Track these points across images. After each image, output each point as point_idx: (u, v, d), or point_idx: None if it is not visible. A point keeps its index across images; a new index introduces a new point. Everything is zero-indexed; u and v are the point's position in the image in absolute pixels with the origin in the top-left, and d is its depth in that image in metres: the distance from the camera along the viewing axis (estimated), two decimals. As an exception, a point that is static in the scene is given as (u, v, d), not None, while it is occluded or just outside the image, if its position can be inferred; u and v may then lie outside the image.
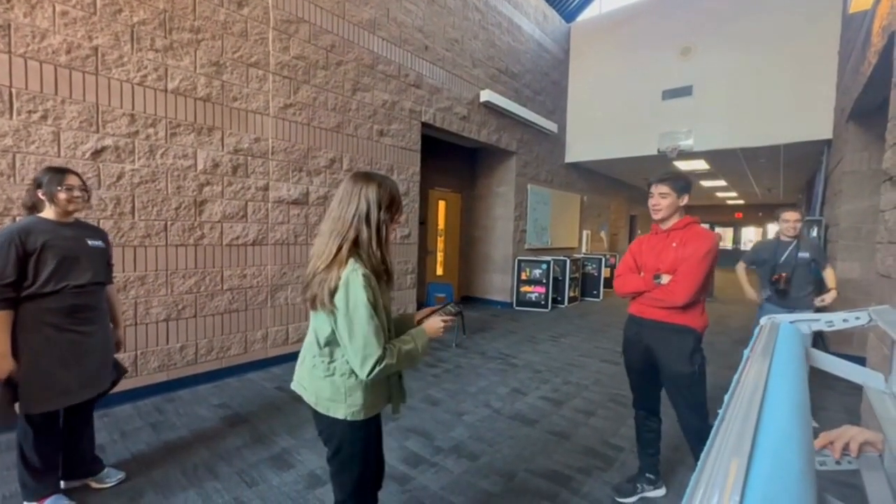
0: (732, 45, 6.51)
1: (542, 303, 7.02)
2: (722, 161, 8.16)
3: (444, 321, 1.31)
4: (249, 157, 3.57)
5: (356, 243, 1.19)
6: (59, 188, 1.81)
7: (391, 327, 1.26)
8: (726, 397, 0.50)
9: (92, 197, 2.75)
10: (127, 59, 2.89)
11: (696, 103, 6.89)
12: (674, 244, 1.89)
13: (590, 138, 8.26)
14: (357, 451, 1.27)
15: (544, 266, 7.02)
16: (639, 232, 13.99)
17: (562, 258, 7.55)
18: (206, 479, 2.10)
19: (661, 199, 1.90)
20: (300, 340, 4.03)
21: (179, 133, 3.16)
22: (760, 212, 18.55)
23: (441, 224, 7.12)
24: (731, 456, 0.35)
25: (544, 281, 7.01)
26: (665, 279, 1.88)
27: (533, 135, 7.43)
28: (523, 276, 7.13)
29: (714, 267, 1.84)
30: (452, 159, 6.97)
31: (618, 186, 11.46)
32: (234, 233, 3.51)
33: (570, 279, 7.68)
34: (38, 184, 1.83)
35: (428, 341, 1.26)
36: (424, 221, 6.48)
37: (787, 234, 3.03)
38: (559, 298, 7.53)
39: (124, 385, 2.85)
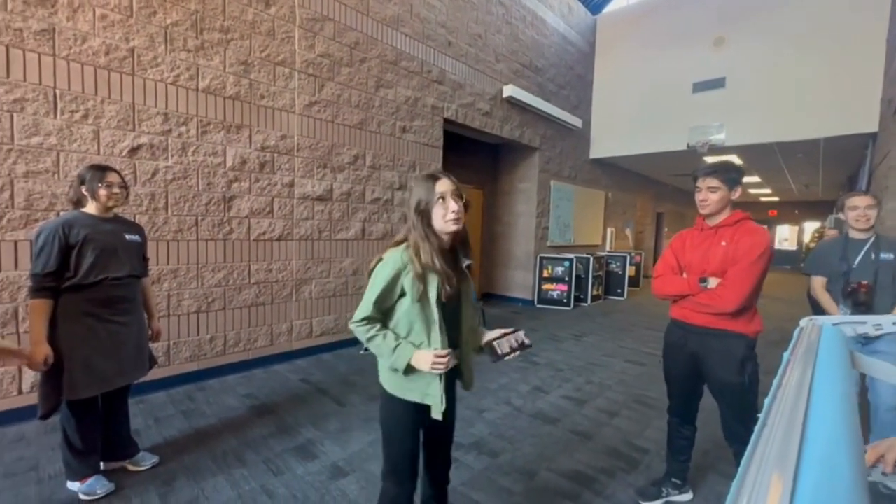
0: (769, 33, 6.21)
1: (565, 301, 6.92)
2: (756, 156, 7.82)
3: (436, 363, 1.25)
4: (276, 154, 3.65)
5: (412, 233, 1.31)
6: (100, 185, 1.90)
7: (439, 318, 1.29)
8: (766, 402, 0.48)
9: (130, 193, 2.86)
10: (161, 59, 3.00)
11: (728, 96, 6.63)
12: (723, 242, 1.73)
13: (615, 133, 8.06)
14: (390, 427, 1.40)
15: (567, 264, 6.92)
16: (665, 230, 13.60)
17: (585, 256, 7.42)
18: (234, 466, 2.17)
19: (711, 194, 1.73)
20: (323, 334, 4.12)
21: (210, 131, 3.26)
22: (797, 209, 17.71)
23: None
24: (775, 468, 0.33)
25: (567, 279, 6.91)
26: (713, 283, 1.73)
27: (557, 130, 7.30)
28: (545, 274, 7.05)
29: (768, 269, 1.68)
30: (474, 155, 6.94)
31: (644, 183, 11.16)
32: (261, 228, 3.60)
33: (594, 277, 7.54)
34: (81, 180, 1.92)
35: (406, 363, 1.27)
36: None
37: (859, 227, 2.29)
38: (582, 297, 7.41)
39: (158, 374, 2.98)
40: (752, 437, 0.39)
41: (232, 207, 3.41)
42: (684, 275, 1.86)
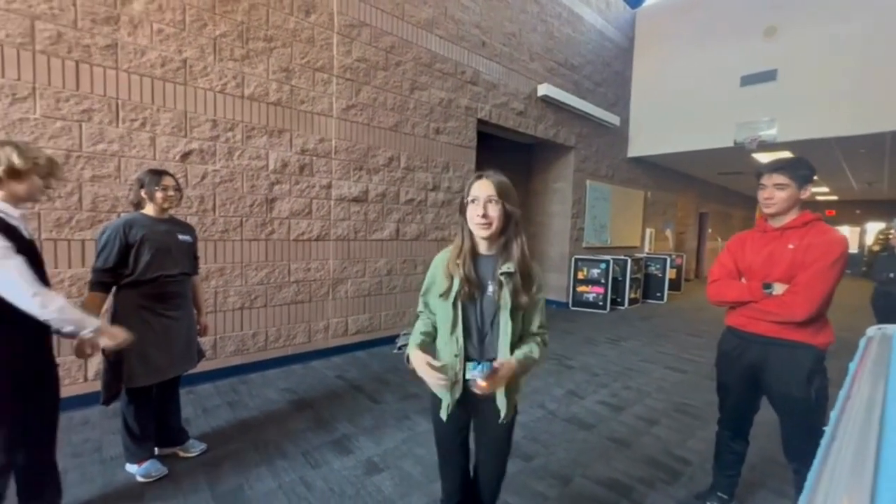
0: (826, 18, 5.79)
1: (601, 304, 6.74)
2: (811, 152, 7.31)
3: (427, 373, 1.15)
4: (314, 157, 3.77)
5: None
6: (157, 188, 2.03)
7: (458, 319, 1.23)
8: (833, 415, 0.45)
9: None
10: (210, 69, 3.17)
11: (781, 88, 6.23)
12: (790, 245, 1.59)
13: (656, 131, 7.77)
14: (433, 425, 1.42)
15: (603, 265, 6.73)
16: (709, 231, 12.95)
17: (622, 257, 7.19)
18: (275, 457, 2.26)
19: (777, 192, 1.59)
20: (359, 332, 4.21)
21: (254, 136, 3.41)
22: (858, 209, 16.40)
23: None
24: (847, 488, 0.31)
25: (603, 281, 6.72)
26: (778, 289, 1.59)
27: (593, 128, 7.12)
28: (580, 276, 6.89)
29: (842, 275, 1.53)
30: (507, 155, 6.87)
31: (686, 182, 10.67)
32: (300, 228, 3.73)
33: (631, 280, 7.29)
34: (140, 184, 2.06)
35: (412, 363, 1.22)
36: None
37: None
38: (619, 300, 7.19)
39: (206, 366, 3.15)
40: (819, 452, 0.36)
41: (273, 209, 3.55)
42: (743, 279, 1.74)
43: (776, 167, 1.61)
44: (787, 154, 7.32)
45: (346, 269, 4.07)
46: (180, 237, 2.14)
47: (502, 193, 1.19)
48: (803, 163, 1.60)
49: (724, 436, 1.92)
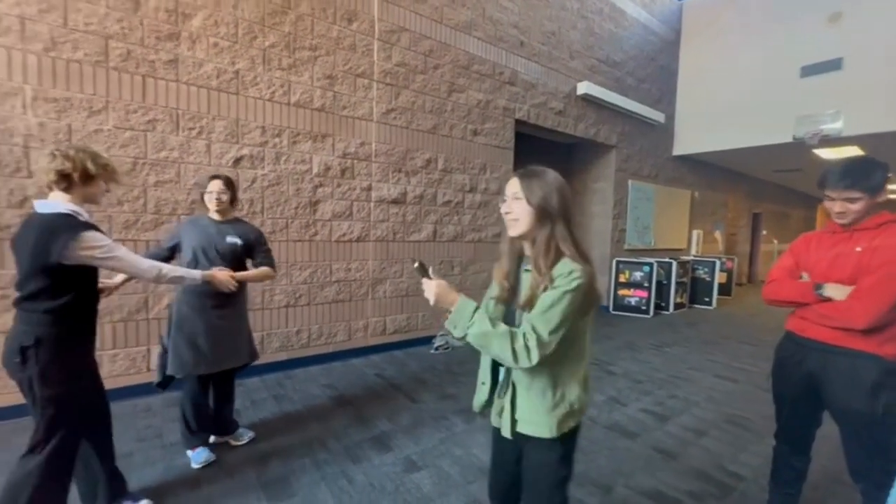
0: (903, 3, 5.29)
1: (644, 308, 6.48)
2: (883, 147, 6.69)
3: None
4: (355, 161, 3.88)
5: None
6: (204, 192, 2.17)
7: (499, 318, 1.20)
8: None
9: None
10: (260, 78, 3.34)
11: (846, 78, 5.76)
12: (858, 248, 1.47)
13: (704, 127, 7.39)
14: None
15: (646, 268, 6.47)
16: (764, 232, 12.14)
17: (667, 260, 6.89)
18: (318, 450, 2.35)
19: (850, 205, 1.47)
20: (397, 332, 4.28)
21: (299, 141, 3.56)
22: (939, 208, 14.80)
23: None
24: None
25: (646, 284, 6.46)
26: (832, 290, 1.49)
27: (636, 126, 6.88)
28: (622, 279, 6.66)
29: None
30: (545, 155, 6.77)
31: (737, 180, 10.07)
32: (342, 230, 3.85)
33: (677, 283, 6.97)
34: (198, 188, 2.22)
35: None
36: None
37: None
38: (663, 304, 6.89)
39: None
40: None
41: (317, 211, 3.69)
42: (804, 277, 1.62)
43: (844, 182, 1.47)
44: (853, 150, 6.74)
45: (384, 269, 4.15)
46: (228, 239, 2.17)
47: (528, 189, 1.10)
48: (874, 166, 1.45)
49: (781, 450, 1.79)
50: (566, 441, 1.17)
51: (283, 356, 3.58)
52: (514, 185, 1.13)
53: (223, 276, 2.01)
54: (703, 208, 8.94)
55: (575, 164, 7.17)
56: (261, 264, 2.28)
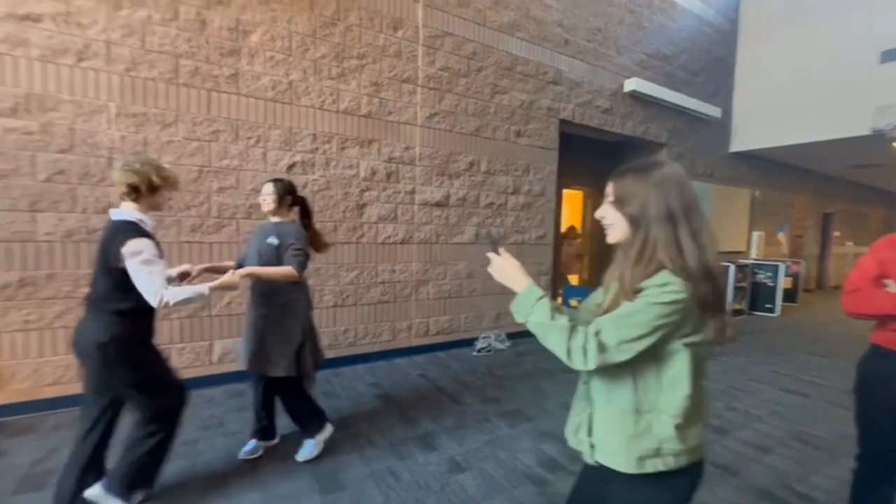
0: None
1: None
2: (984, 137, 5.94)
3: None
4: (400, 165, 3.97)
5: None
6: (259, 196, 2.30)
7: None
8: None
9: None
10: (311, 88, 3.50)
11: (938, 62, 5.16)
12: None
13: (767, 121, 6.89)
14: None
15: (700, 272, 6.11)
16: (836, 234, 11.10)
17: (724, 264, 6.47)
18: (365, 447, 2.42)
19: None
20: (439, 333, 4.32)
21: (347, 147, 3.69)
22: None
23: (568, 224, 6.80)
24: None
25: (700, 289, 6.10)
26: None
27: (688, 122, 6.54)
28: (673, 283, 6.33)
29: None
30: (591, 155, 6.56)
31: (805, 178, 9.28)
32: (387, 232, 3.94)
33: (735, 289, 6.54)
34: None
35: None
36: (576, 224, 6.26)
37: None
38: (719, 310, 6.47)
39: (304, 357, 3.46)
40: None
41: (363, 214, 3.81)
42: (890, 285, 1.46)
43: None
44: (947, 141, 6.03)
45: (428, 271, 4.21)
46: (267, 240, 2.17)
47: (619, 191, 1.01)
48: None
49: (865, 476, 1.62)
50: (655, 485, 0.96)
51: (331, 354, 3.71)
52: (609, 187, 1.03)
53: (227, 277, 1.88)
54: (764, 208, 8.32)
55: (622, 163, 6.88)
56: (285, 263, 2.13)
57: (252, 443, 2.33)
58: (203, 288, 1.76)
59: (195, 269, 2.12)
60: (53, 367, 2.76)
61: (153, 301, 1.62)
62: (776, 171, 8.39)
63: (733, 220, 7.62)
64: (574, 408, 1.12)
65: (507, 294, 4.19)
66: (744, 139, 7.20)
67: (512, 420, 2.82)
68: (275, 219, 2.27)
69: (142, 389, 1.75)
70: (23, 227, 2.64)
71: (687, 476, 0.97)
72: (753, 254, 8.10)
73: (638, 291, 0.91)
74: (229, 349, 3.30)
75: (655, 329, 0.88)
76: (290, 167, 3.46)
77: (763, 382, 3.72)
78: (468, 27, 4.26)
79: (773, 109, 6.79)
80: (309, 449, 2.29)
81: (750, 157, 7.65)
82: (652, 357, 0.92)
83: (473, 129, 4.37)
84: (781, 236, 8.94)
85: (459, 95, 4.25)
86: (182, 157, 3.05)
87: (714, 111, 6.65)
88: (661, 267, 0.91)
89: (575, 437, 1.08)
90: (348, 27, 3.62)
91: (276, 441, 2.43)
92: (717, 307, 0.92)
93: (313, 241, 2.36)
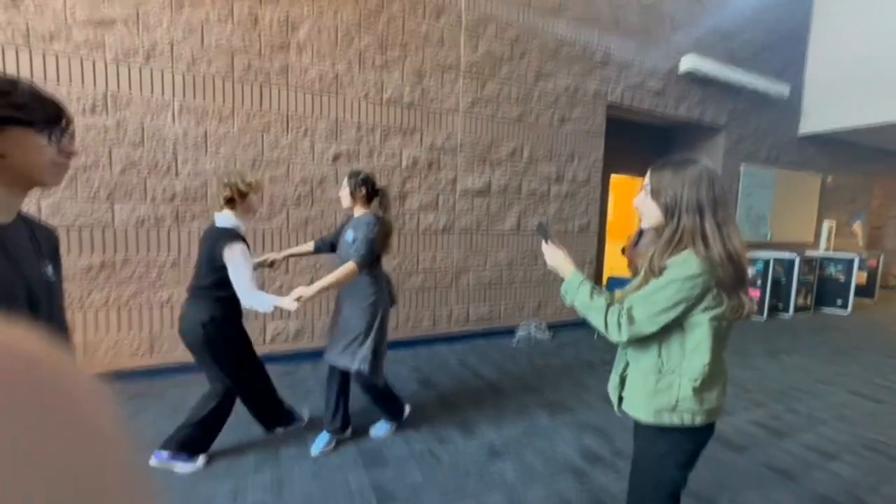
0: None
1: (756, 309, 5.74)
2: None
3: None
4: (441, 153, 3.98)
5: None
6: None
7: None
8: None
9: (331, 192, 3.53)
10: (356, 79, 3.57)
11: None
12: None
13: (845, 99, 6.23)
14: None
15: (760, 265, 5.72)
16: (924, 224, 9.92)
17: (788, 256, 6.01)
18: (407, 427, 2.50)
19: None
20: (479, 320, 4.34)
21: (390, 136, 3.74)
22: None
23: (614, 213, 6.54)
24: None
25: (759, 283, 5.71)
26: None
27: (751, 103, 6.04)
28: (728, 276, 5.96)
29: None
30: (642, 140, 6.25)
31: (886, 161, 8.33)
32: (428, 221, 3.99)
33: (799, 283, 6.05)
34: None
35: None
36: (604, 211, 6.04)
37: None
38: (781, 306, 6.04)
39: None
40: None
41: (405, 203, 3.87)
42: None
43: None
44: None
45: (468, 259, 4.22)
46: (346, 236, 2.19)
47: (657, 183, 1.14)
48: None
49: None
50: (671, 438, 1.16)
51: (374, 338, 3.84)
52: (647, 178, 1.18)
53: (286, 299, 1.86)
54: (837, 195, 7.59)
55: (675, 148, 6.53)
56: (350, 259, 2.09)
57: (324, 437, 2.28)
58: (270, 305, 1.87)
59: (279, 256, 2.41)
60: (130, 342, 3.05)
61: (245, 299, 1.91)
62: (852, 153, 7.59)
63: (800, 209, 7.02)
64: (614, 368, 1.31)
65: (548, 283, 4.16)
66: (816, 120, 6.56)
67: (552, 411, 2.80)
68: (356, 212, 2.23)
69: (224, 365, 2.05)
70: (102, 216, 2.92)
71: (698, 434, 1.15)
72: (823, 246, 7.44)
73: (663, 269, 1.08)
74: (280, 330, 3.49)
75: (677, 303, 1.05)
76: (336, 158, 3.56)
77: (829, 384, 3.45)
78: (512, 10, 4.15)
79: (851, 87, 6.13)
80: (323, 442, 2.26)
81: (821, 140, 6.97)
82: (677, 327, 1.09)
83: (516, 115, 4.29)
84: (857, 226, 8.13)
85: (502, 82, 4.18)
86: (237, 150, 3.23)
87: (782, 89, 6.10)
88: (685, 248, 1.07)
89: (613, 393, 1.29)
90: (392, 16, 3.64)
91: (348, 433, 2.39)
92: (736, 287, 1.07)
93: (385, 236, 2.19)
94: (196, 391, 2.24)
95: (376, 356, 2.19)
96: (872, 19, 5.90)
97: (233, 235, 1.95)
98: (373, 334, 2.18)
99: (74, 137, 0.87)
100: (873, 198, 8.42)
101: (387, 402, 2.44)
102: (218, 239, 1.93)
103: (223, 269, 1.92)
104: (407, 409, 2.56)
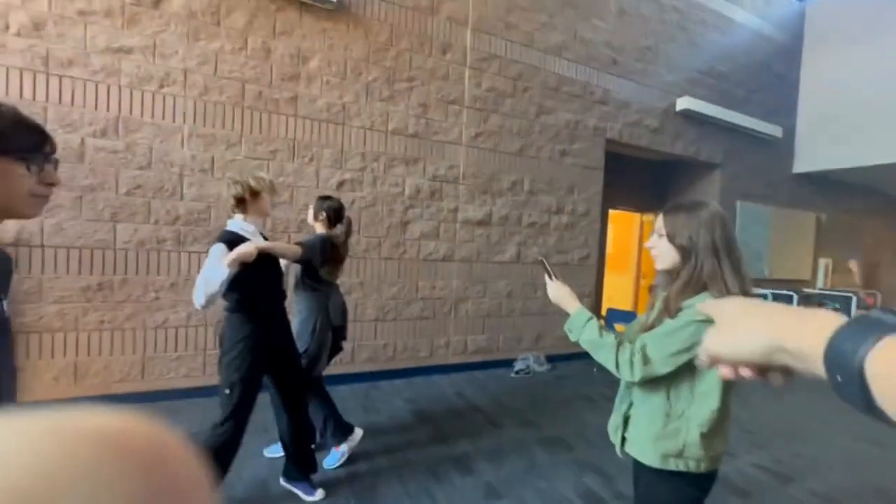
0: None
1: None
2: None
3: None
4: (444, 183, 4.04)
5: None
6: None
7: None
8: None
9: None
10: (362, 109, 3.66)
11: None
12: None
13: (835, 140, 6.42)
14: None
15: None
16: (918, 263, 10.01)
17: (786, 292, 6.02)
18: (402, 464, 2.42)
19: None
20: (477, 352, 4.29)
21: (394, 165, 3.81)
22: None
23: (612, 247, 6.59)
24: None
25: (758, 319, 5.69)
26: None
27: (745, 142, 6.21)
28: (727, 311, 5.94)
29: None
30: (640, 175, 6.38)
31: (879, 201, 8.49)
32: (428, 249, 4.00)
33: (798, 320, 6.02)
34: None
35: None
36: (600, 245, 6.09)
37: None
38: (780, 343, 5.99)
39: (345, 369, 3.55)
40: None
41: (406, 231, 3.89)
42: None
43: None
44: None
45: (468, 289, 4.21)
46: None
47: (672, 226, 1.13)
48: None
49: None
50: (675, 484, 1.13)
51: (370, 367, 3.78)
52: (659, 221, 1.17)
53: (243, 247, 1.77)
54: (833, 234, 7.69)
55: (673, 184, 6.65)
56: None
57: (336, 454, 2.40)
58: (222, 268, 1.71)
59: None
60: (121, 366, 2.99)
61: (194, 300, 1.70)
62: (846, 193, 7.75)
63: (796, 246, 7.09)
64: (616, 407, 1.28)
65: (547, 314, 4.13)
66: (809, 159, 6.73)
67: (551, 448, 2.73)
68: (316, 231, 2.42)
69: (228, 384, 1.84)
70: (104, 236, 2.92)
71: (703, 481, 1.13)
72: (820, 283, 7.47)
73: (679, 310, 1.06)
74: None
75: (693, 345, 1.00)
76: (340, 185, 3.61)
77: (832, 426, 3.38)
78: (515, 49, 4.31)
79: (842, 128, 6.32)
80: (336, 458, 2.38)
81: (815, 178, 7.13)
82: (687, 370, 1.06)
83: (517, 148, 4.39)
84: (853, 265, 8.19)
85: (504, 115, 4.29)
86: (243, 175, 3.27)
87: (775, 130, 6.29)
88: (703, 290, 1.06)
89: (614, 434, 1.26)
90: (400, 52, 3.77)
91: (359, 434, 2.52)
92: None
93: (332, 248, 2.34)
94: (185, 418, 2.19)
95: (319, 350, 2.34)
96: (859, 65, 6.16)
97: (223, 237, 1.80)
98: (314, 336, 2.32)
99: (58, 166, 0.81)
100: (868, 237, 8.53)
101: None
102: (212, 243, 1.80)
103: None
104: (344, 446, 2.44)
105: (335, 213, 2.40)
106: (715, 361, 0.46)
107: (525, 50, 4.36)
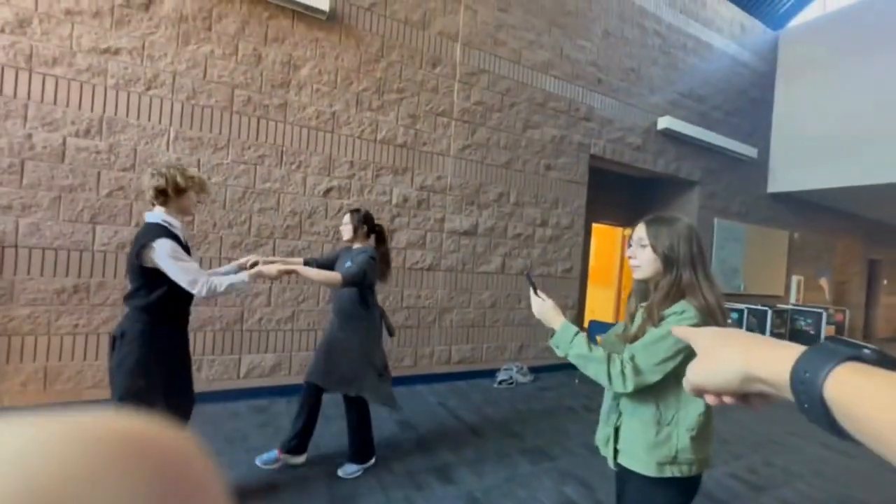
0: None
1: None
2: None
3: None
4: (431, 193, 4.08)
5: None
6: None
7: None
8: None
9: (319, 225, 3.56)
10: (352, 118, 3.69)
11: None
12: None
13: (806, 162, 6.72)
14: None
15: (735, 315, 5.89)
16: (884, 282, 10.48)
17: (760, 308, 6.21)
18: (383, 473, 2.40)
19: None
20: (461, 362, 4.29)
21: (382, 174, 3.84)
22: None
23: (594, 260, 6.72)
24: None
25: (734, 333, 5.85)
26: None
27: (723, 162, 6.45)
28: (705, 325, 6.10)
29: None
30: (622, 191, 6.55)
31: (848, 222, 8.89)
32: (415, 258, 4.02)
33: (771, 334, 6.21)
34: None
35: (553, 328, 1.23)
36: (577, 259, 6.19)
37: None
38: (755, 356, 6.15)
39: (327, 377, 3.50)
40: None
41: (393, 239, 3.90)
42: None
43: None
44: None
45: (452, 298, 4.23)
46: (347, 265, 2.32)
47: (654, 237, 1.16)
48: None
49: None
50: (667, 490, 1.14)
51: (353, 376, 3.74)
52: (640, 231, 1.20)
53: (267, 267, 1.96)
54: (804, 252, 7.99)
55: (654, 200, 6.84)
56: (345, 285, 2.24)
57: (274, 453, 2.35)
58: (244, 276, 1.84)
59: (262, 260, 2.16)
60: (94, 371, 2.90)
61: (193, 290, 1.66)
62: (817, 213, 8.09)
63: (770, 263, 7.34)
64: (603, 419, 1.28)
65: (530, 325, 4.19)
66: (781, 180, 7.02)
67: (533, 457, 2.74)
68: (354, 245, 2.45)
69: (121, 391, 1.67)
70: (82, 238, 2.86)
71: (691, 485, 1.16)
72: (793, 299, 7.73)
73: (662, 319, 1.10)
74: (256, 364, 3.38)
75: (678, 352, 1.06)
76: (328, 192, 3.61)
77: (802, 437, 3.48)
78: (503, 65, 4.42)
79: (812, 151, 6.63)
80: (352, 469, 2.37)
81: (788, 198, 7.43)
82: (672, 377, 1.08)
83: (504, 161, 4.47)
84: (823, 282, 8.51)
85: (492, 129, 4.38)
86: (229, 179, 3.25)
87: (750, 151, 6.55)
88: (681, 298, 1.11)
89: (605, 447, 1.26)
90: (390, 63, 3.83)
91: (301, 460, 2.41)
92: None
93: (383, 267, 2.47)
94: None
95: (381, 377, 2.42)
96: (830, 92, 6.50)
97: (161, 232, 1.67)
98: (373, 359, 2.41)
99: None
100: (837, 256, 8.89)
101: (363, 434, 2.41)
102: (140, 237, 1.66)
103: (149, 272, 1.66)
104: (372, 461, 2.46)
105: (372, 224, 2.48)
106: (699, 391, 0.49)
107: (513, 66, 4.48)
